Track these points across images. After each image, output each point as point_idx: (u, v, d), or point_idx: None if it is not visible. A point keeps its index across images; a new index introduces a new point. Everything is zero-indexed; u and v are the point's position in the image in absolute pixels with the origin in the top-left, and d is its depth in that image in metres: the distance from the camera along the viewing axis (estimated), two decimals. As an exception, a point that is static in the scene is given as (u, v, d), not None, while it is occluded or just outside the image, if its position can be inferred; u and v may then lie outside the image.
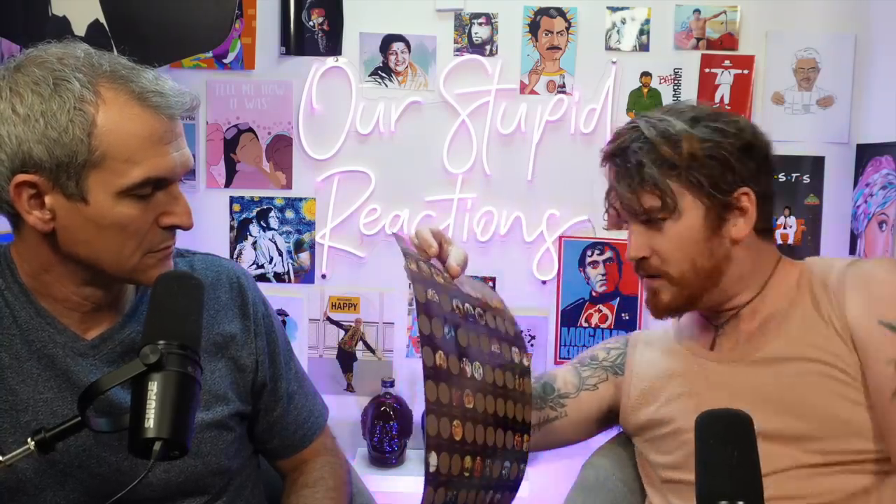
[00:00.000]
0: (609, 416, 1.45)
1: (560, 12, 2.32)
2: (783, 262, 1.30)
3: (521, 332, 1.20)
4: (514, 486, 1.15)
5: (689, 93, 2.34)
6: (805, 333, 1.22)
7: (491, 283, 2.37)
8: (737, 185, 1.22)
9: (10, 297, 1.10)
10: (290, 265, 2.43)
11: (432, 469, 1.05)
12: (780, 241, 2.34)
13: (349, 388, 2.45)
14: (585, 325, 2.42)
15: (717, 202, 1.22)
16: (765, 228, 1.28)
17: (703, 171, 1.21)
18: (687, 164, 1.21)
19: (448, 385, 1.06)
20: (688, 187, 1.22)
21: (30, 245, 1.08)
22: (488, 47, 2.33)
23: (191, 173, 2.35)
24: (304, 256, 2.42)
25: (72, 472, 1.10)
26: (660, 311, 1.30)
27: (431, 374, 1.05)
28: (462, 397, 1.08)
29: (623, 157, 1.25)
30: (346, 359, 2.44)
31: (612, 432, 1.57)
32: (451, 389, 1.07)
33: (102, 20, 1.95)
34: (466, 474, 1.07)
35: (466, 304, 1.11)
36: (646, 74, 2.34)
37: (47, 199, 1.01)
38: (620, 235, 2.39)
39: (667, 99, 2.35)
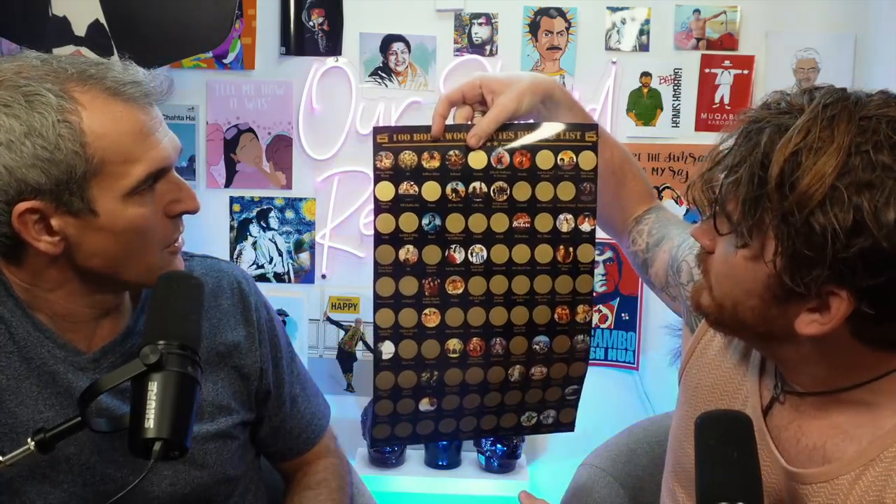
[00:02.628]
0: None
1: (560, 12, 2.32)
2: None
3: (588, 190, 1.12)
4: (571, 357, 1.16)
5: (690, 93, 2.34)
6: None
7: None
8: (828, 281, 0.84)
9: (6, 313, 1.06)
10: (290, 265, 2.43)
11: (386, 357, 1.11)
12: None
13: (349, 388, 2.45)
14: (585, 325, 2.41)
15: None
16: (882, 339, 0.89)
17: (802, 241, 0.83)
18: (787, 216, 0.84)
19: (417, 276, 1.10)
20: (777, 239, 0.85)
21: (33, 270, 1.03)
22: (488, 47, 2.33)
23: (190, 173, 2.36)
24: (304, 256, 2.42)
25: (76, 490, 1.09)
26: (696, 309, 1.03)
27: (389, 270, 1.09)
28: (443, 285, 1.11)
29: (749, 141, 0.88)
30: (346, 359, 2.44)
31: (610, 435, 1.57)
32: (424, 280, 1.10)
33: (102, 20, 1.95)
34: (453, 356, 1.12)
35: (476, 184, 1.10)
36: (646, 74, 2.34)
37: (54, 222, 0.96)
38: (620, 235, 2.39)
39: (667, 100, 2.34)
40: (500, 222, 1.11)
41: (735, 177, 0.87)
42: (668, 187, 2.36)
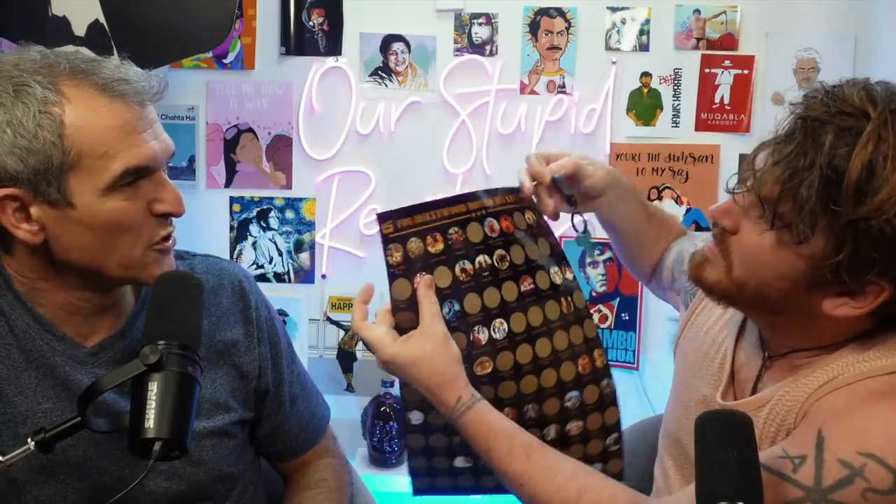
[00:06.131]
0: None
1: (560, 12, 2.32)
2: (852, 350, 0.98)
3: (554, 242, 1.16)
4: (602, 405, 1.16)
5: (690, 93, 2.34)
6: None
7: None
8: (876, 274, 0.90)
9: (6, 306, 1.07)
10: (290, 265, 2.43)
11: (416, 422, 1.12)
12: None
13: (349, 388, 2.45)
14: (585, 325, 2.41)
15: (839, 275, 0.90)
16: (889, 314, 0.95)
17: (869, 243, 0.87)
18: (859, 222, 0.87)
19: None
20: (837, 238, 0.89)
21: (21, 260, 1.05)
22: (488, 47, 2.33)
23: (190, 173, 2.36)
24: (304, 256, 2.42)
25: (73, 483, 1.09)
26: (695, 280, 1.06)
27: None
28: (471, 368, 1.09)
29: (811, 141, 0.89)
30: (346, 359, 2.44)
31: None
32: None
33: (102, 20, 1.95)
34: None
35: (480, 258, 1.09)
36: (646, 74, 2.33)
37: (33, 211, 0.98)
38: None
39: (667, 100, 2.34)
40: (510, 290, 1.11)
41: (799, 180, 0.88)
42: (667, 187, 2.36)
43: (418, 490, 1.18)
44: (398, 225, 1.07)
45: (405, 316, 1.07)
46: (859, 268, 0.89)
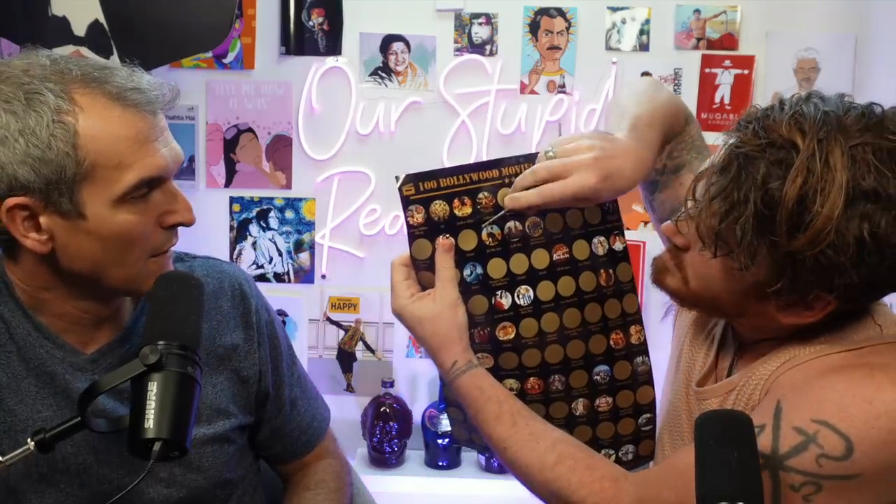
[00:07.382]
0: None
1: (560, 12, 2.32)
2: (813, 334, 1.01)
3: (611, 208, 1.11)
4: (635, 382, 1.17)
5: (690, 93, 2.34)
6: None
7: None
8: (821, 291, 0.92)
9: (7, 314, 1.06)
10: (289, 265, 2.43)
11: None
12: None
13: (349, 389, 2.45)
14: (585, 325, 2.41)
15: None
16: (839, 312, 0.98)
17: (806, 271, 0.90)
18: (795, 254, 0.89)
19: (467, 328, 1.08)
20: (778, 266, 0.91)
21: (26, 268, 1.04)
22: (488, 47, 2.33)
23: (190, 173, 2.36)
24: (304, 256, 2.42)
25: (73, 491, 1.09)
26: (658, 285, 1.08)
27: None
28: (493, 332, 1.09)
29: (745, 175, 0.90)
30: (346, 359, 2.44)
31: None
32: (474, 330, 1.09)
33: (102, 20, 1.95)
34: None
35: (510, 223, 1.08)
36: (646, 74, 2.33)
37: (42, 220, 0.97)
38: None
39: (667, 99, 2.34)
40: (540, 258, 1.09)
41: (736, 215, 0.91)
42: (668, 187, 2.36)
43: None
44: (421, 187, 1.06)
45: (425, 275, 1.07)
46: (801, 290, 0.92)
